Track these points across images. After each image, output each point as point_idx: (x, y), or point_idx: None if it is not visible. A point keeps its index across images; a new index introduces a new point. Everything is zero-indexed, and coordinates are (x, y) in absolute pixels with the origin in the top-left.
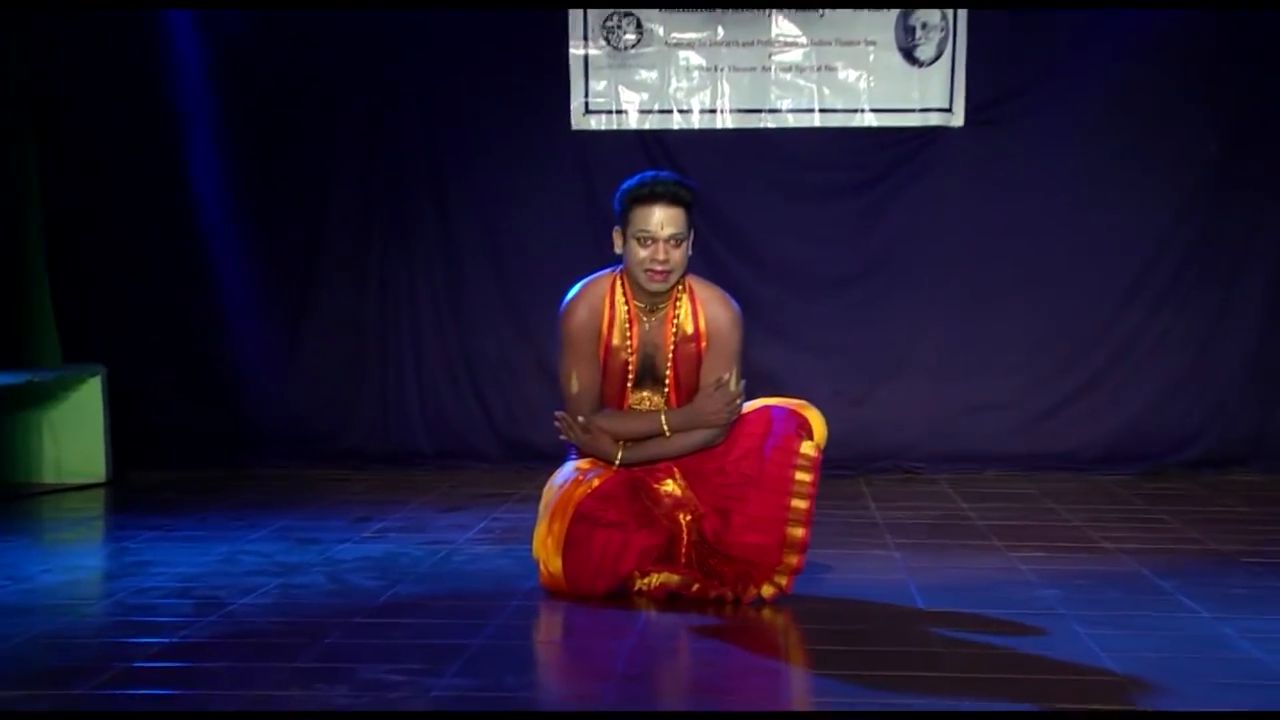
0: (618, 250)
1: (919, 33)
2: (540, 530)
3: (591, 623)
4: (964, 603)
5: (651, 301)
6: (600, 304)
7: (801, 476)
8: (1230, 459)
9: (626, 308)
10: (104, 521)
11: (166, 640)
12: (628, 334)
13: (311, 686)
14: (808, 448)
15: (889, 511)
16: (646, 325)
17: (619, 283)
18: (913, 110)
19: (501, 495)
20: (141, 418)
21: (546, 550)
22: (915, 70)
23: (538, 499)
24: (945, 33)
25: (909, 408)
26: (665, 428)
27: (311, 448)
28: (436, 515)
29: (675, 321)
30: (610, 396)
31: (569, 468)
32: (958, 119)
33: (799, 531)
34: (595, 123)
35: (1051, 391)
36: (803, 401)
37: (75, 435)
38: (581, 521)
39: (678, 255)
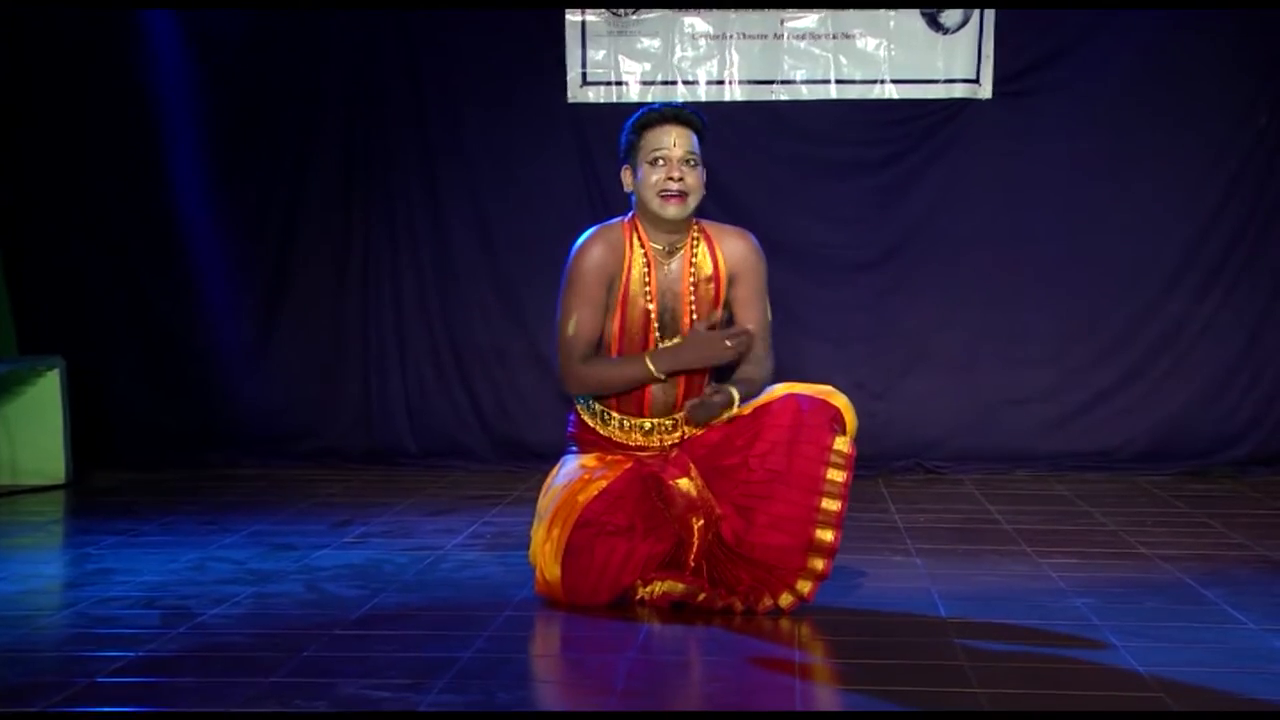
0: (628, 187)
1: None
2: (538, 534)
3: (590, 634)
4: (991, 612)
5: (669, 242)
6: (619, 245)
7: (834, 475)
8: None
9: (644, 251)
10: (63, 526)
11: (131, 654)
12: (647, 279)
13: (288, 703)
14: (841, 443)
15: (910, 514)
16: (667, 270)
17: (633, 227)
18: (937, 81)
19: (493, 498)
20: (104, 414)
21: (544, 557)
22: (940, 38)
23: (533, 501)
24: None
25: (932, 402)
26: (654, 372)
27: (287, 446)
28: (423, 519)
29: (693, 263)
30: (635, 346)
31: (573, 464)
32: (985, 90)
33: (828, 535)
34: (593, 94)
35: (1086, 385)
36: (829, 388)
37: (32, 433)
38: (585, 528)
39: (694, 177)
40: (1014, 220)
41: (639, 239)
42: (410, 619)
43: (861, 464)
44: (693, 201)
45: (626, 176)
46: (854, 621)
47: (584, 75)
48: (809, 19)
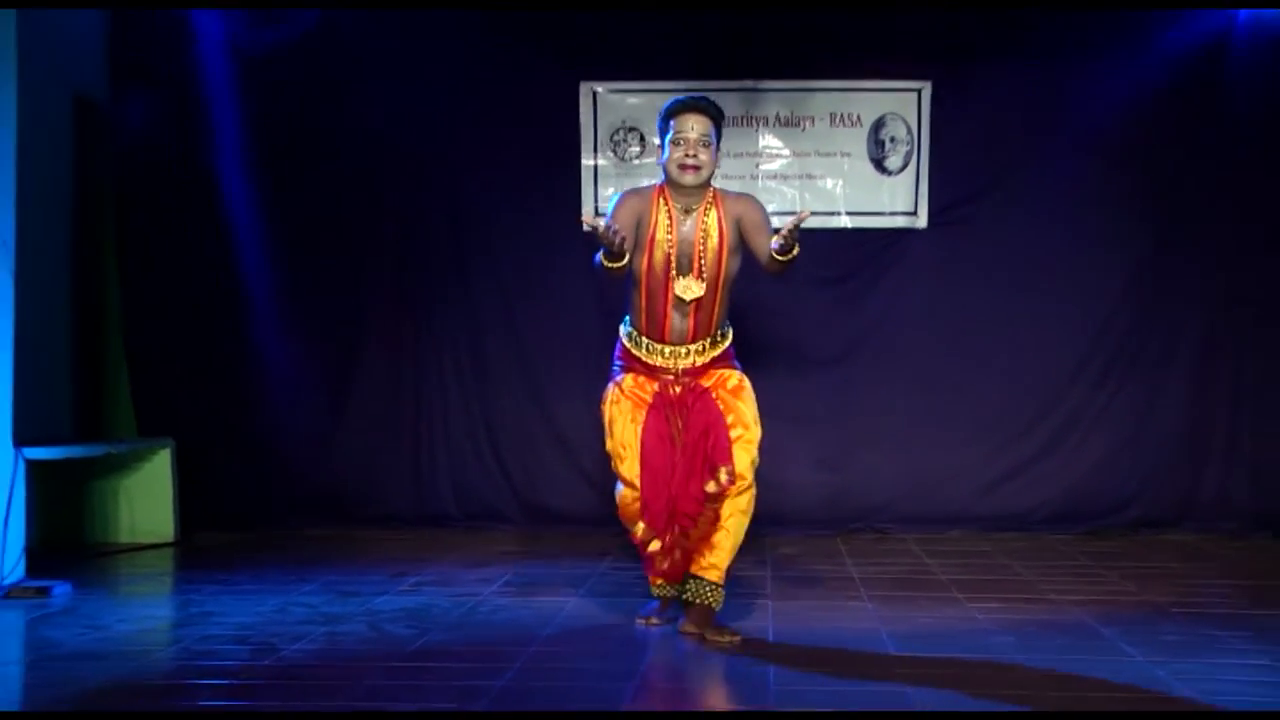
0: (661, 162)
1: (888, 145)
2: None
3: (600, 665)
4: (929, 648)
5: (686, 203)
6: (650, 201)
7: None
8: (1163, 520)
9: (667, 210)
10: (172, 577)
11: (226, 682)
12: (669, 230)
13: None
14: (717, 481)
15: (863, 567)
16: (684, 225)
17: (661, 191)
18: (883, 214)
19: (522, 553)
20: (206, 485)
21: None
22: (885, 178)
23: (556, 556)
24: (911, 145)
25: (881, 475)
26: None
27: (354, 511)
28: (464, 570)
29: (704, 222)
30: (659, 283)
31: (612, 394)
32: (922, 221)
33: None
34: (604, 223)
35: (1006, 460)
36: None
37: (147, 500)
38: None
39: (706, 154)
40: (946, 324)
41: (665, 200)
42: (454, 653)
43: (822, 525)
44: (705, 173)
45: (660, 154)
46: (816, 656)
47: (596, 208)
48: (779, 163)
